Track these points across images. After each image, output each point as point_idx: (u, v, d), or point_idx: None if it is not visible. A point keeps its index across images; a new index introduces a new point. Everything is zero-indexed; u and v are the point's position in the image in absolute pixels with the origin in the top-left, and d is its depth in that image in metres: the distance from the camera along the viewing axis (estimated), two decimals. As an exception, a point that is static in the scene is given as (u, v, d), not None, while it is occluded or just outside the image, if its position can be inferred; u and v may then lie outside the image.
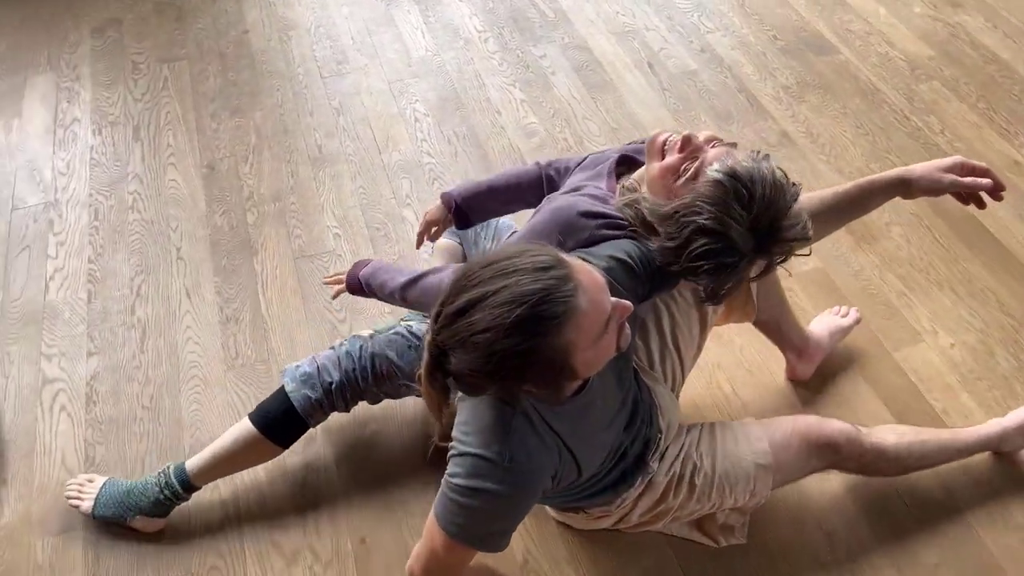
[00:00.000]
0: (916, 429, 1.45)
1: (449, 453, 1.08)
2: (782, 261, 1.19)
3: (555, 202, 1.28)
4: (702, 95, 2.38)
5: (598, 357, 1.00)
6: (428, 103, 2.33)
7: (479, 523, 1.08)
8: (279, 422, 1.38)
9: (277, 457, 1.45)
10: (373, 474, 1.52)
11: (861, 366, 1.72)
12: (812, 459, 1.34)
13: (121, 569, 1.41)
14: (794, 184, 1.15)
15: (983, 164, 1.31)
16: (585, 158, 1.43)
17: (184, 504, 1.43)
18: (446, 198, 1.51)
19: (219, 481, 1.47)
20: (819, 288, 1.87)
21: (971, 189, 1.29)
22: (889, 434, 1.41)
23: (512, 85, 2.39)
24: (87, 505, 1.41)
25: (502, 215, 1.60)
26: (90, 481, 1.44)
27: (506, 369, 0.93)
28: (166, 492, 1.38)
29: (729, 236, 1.10)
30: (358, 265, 1.39)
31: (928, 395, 1.68)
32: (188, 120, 2.25)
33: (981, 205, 1.32)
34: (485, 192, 1.51)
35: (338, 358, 1.39)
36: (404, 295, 1.29)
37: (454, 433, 1.08)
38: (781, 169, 1.15)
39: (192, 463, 1.40)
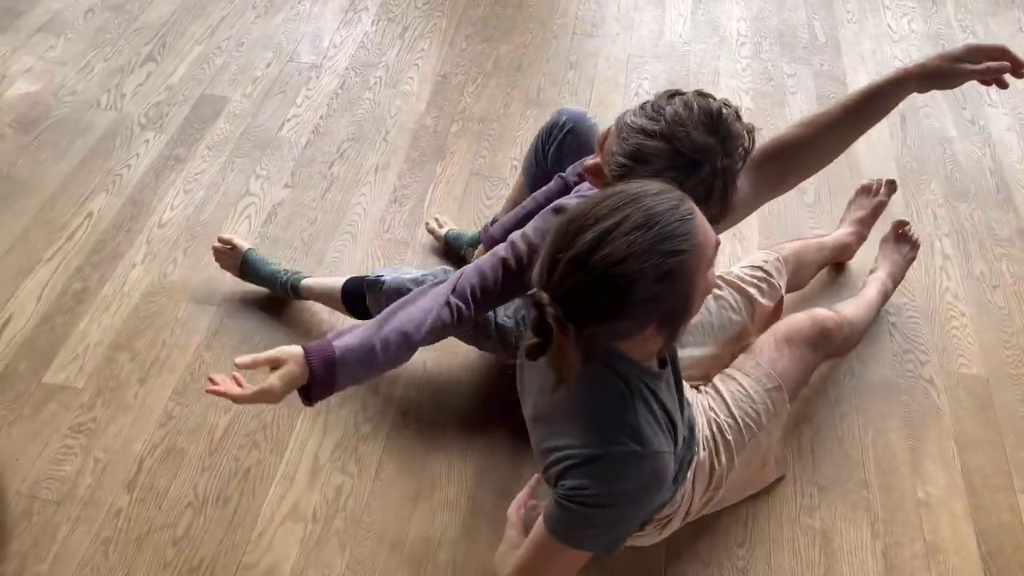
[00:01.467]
0: (848, 302, 1.64)
1: (556, 468, 1.01)
2: (745, 152, 1.13)
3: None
4: (945, 163, 2.15)
5: (703, 294, 0.96)
6: (655, 83, 2.37)
7: (617, 527, 1.01)
8: (356, 296, 1.59)
9: None
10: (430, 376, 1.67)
11: (971, 487, 1.50)
12: (809, 354, 1.43)
13: (229, 346, 1.70)
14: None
15: (997, 44, 1.21)
16: None
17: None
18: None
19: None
20: (970, 397, 1.65)
21: (989, 75, 1.21)
22: (845, 307, 1.60)
23: (745, 92, 2.35)
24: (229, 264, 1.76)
25: None
26: (231, 248, 1.75)
27: (643, 303, 0.88)
28: (282, 287, 1.72)
29: (676, 136, 1.08)
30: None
31: (1039, 554, 1.42)
32: (446, 35, 2.53)
33: (1003, 85, 1.23)
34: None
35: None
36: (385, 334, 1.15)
37: (552, 445, 1.02)
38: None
39: (306, 281, 1.71)
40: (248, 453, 1.54)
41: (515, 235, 1.30)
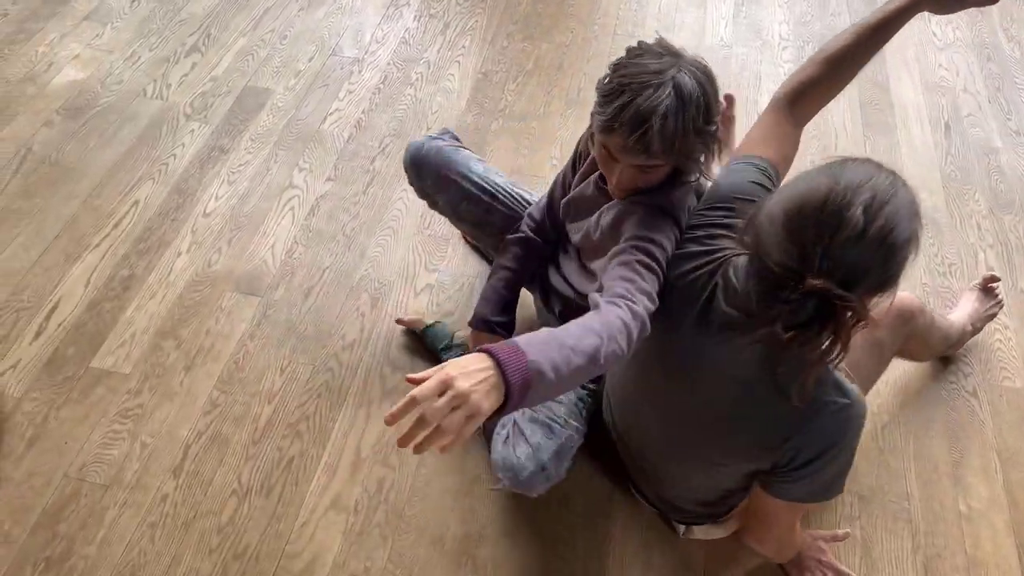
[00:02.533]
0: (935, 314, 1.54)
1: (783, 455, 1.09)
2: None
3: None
4: (990, 174, 2.13)
5: None
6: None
7: (845, 472, 1.13)
8: None
9: None
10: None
11: (1014, 500, 1.49)
12: (887, 336, 1.39)
13: (273, 337, 1.72)
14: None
15: None
16: None
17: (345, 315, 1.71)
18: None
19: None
20: (1013, 411, 1.63)
21: None
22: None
23: (786, 97, 2.34)
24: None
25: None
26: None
27: (902, 267, 0.92)
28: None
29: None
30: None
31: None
32: (487, 33, 2.53)
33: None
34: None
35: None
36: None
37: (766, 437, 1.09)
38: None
39: None
40: (291, 443, 1.55)
41: (634, 238, 1.14)
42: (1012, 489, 1.52)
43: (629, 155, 1.11)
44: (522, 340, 0.90)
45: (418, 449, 0.82)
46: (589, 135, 1.34)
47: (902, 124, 2.26)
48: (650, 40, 1.16)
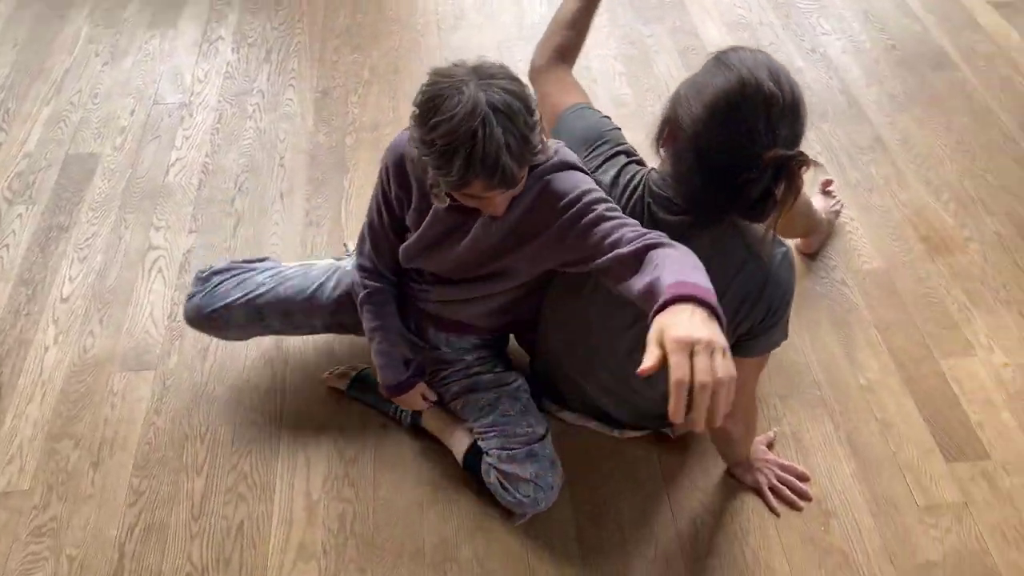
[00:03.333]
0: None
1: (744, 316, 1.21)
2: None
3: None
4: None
5: None
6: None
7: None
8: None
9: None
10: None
11: (902, 365, 1.70)
12: None
13: (180, 407, 1.61)
14: None
15: None
16: None
17: (249, 373, 1.64)
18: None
19: (276, 348, 1.66)
20: (879, 288, 1.85)
21: None
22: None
23: (614, 58, 2.48)
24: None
25: None
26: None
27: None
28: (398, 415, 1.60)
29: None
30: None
31: (967, 406, 1.64)
32: (313, 51, 2.48)
33: None
34: None
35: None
36: None
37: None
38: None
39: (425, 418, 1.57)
40: (236, 508, 1.47)
41: (576, 202, 1.16)
42: (896, 354, 1.72)
43: (496, 191, 1.08)
44: (674, 275, 0.93)
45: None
46: (417, 171, 1.23)
47: (718, 63, 2.46)
48: (443, 64, 1.09)
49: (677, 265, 0.98)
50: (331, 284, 1.51)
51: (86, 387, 1.65)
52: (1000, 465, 1.55)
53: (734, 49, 1.14)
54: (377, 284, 1.43)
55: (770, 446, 1.55)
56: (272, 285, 1.50)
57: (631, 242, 1.07)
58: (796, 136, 1.09)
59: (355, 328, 1.50)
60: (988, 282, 1.87)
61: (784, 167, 1.04)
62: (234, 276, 1.52)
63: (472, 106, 1.00)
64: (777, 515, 1.47)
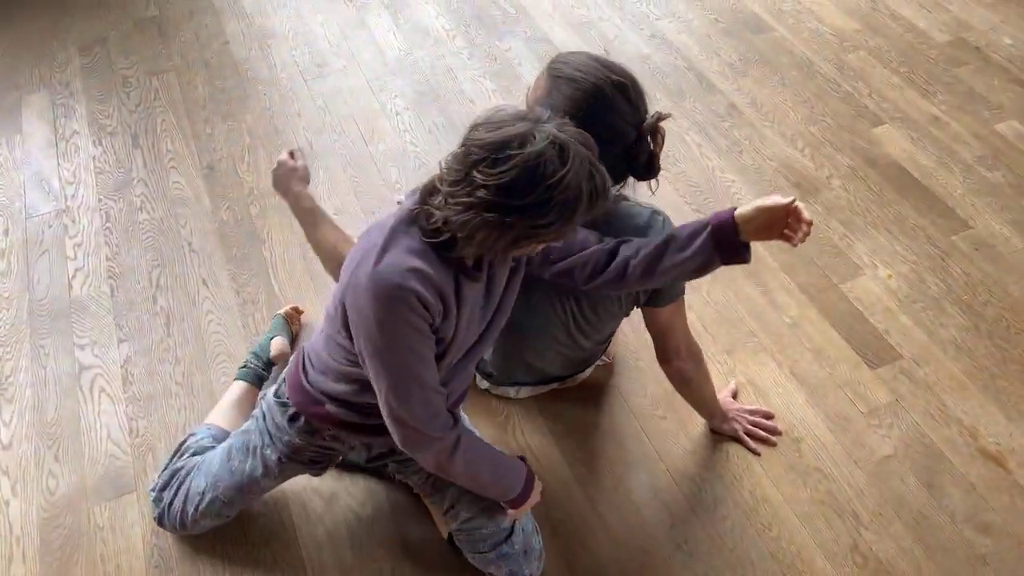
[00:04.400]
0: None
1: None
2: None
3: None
4: (656, 76, 2.61)
5: None
6: (406, 98, 2.51)
7: None
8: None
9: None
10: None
11: (812, 296, 1.96)
12: None
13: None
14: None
15: None
16: None
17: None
18: None
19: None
20: (773, 236, 2.11)
21: None
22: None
23: (483, 77, 2.59)
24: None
25: None
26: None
27: None
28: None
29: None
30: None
31: (872, 318, 1.92)
32: (183, 127, 2.40)
33: None
34: None
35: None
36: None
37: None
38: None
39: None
40: (273, 600, 1.47)
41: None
42: (805, 289, 1.98)
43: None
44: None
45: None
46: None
47: (577, 63, 2.65)
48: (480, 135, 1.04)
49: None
50: (258, 465, 1.39)
51: (67, 530, 1.56)
52: (912, 361, 1.84)
53: (563, 61, 1.30)
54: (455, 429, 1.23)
55: (735, 396, 1.76)
56: (212, 491, 1.42)
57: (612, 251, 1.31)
58: (644, 101, 1.31)
59: (312, 463, 1.42)
60: (855, 209, 2.18)
61: (653, 129, 1.30)
62: (178, 487, 1.45)
63: (562, 147, 1.00)
64: (758, 454, 1.67)
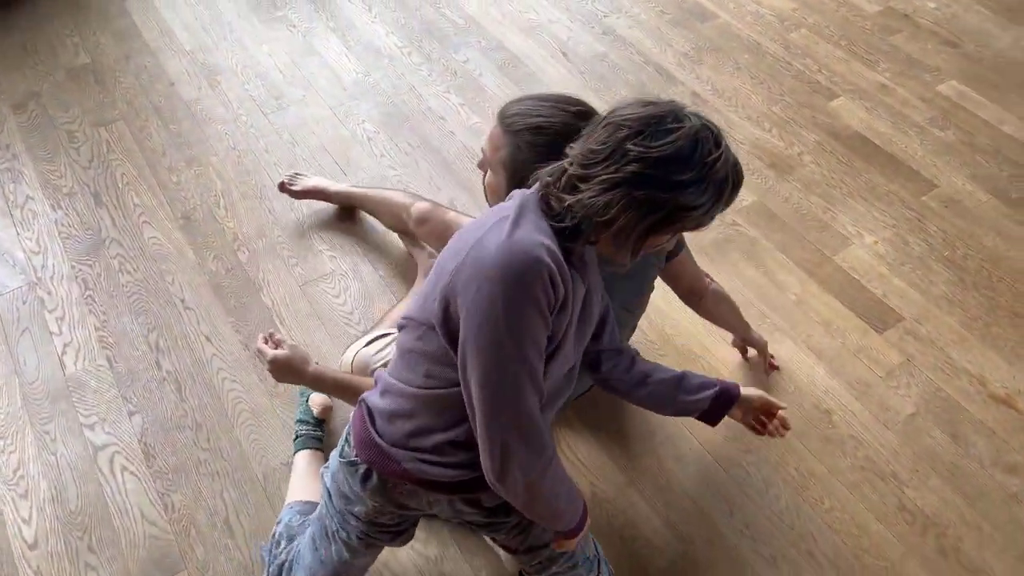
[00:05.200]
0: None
1: None
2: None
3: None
4: (616, 72, 2.65)
5: None
6: (375, 121, 2.47)
7: None
8: None
9: None
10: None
11: (810, 272, 2.05)
12: None
13: (238, 593, 1.50)
14: None
15: None
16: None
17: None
18: None
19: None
20: (762, 216, 2.19)
21: None
22: None
23: (447, 92, 2.57)
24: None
25: None
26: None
27: None
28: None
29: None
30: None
31: (868, 284, 2.02)
32: (146, 177, 2.28)
33: None
34: None
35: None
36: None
37: None
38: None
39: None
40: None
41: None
42: (802, 265, 2.06)
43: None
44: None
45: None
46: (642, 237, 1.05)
47: (538, 69, 2.66)
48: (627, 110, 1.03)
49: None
50: (341, 549, 1.31)
51: (119, 623, 1.47)
52: (913, 320, 1.95)
53: (514, 113, 1.23)
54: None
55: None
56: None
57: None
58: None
59: (395, 531, 1.34)
60: (830, 183, 2.28)
61: None
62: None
63: (712, 130, 1.01)
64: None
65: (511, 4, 2.92)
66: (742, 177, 1.05)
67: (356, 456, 1.23)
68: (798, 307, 1.98)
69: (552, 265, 1.00)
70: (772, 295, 2.00)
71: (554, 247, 1.03)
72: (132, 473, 1.68)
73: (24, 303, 1.98)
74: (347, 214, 2.19)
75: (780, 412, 1.39)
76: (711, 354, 1.87)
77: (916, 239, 2.13)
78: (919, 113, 2.49)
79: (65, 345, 1.89)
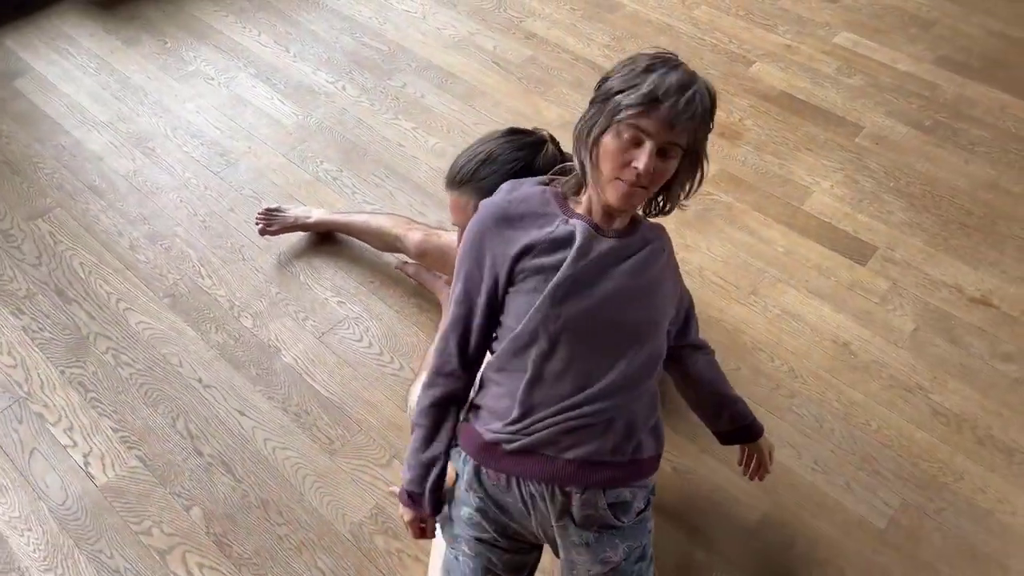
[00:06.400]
0: None
1: None
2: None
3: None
4: (552, 73, 2.73)
5: None
6: (334, 160, 2.42)
7: None
8: None
9: None
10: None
11: (789, 224, 2.23)
12: None
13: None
14: None
15: None
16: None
17: None
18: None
19: None
20: (729, 182, 2.34)
21: None
22: None
23: (395, 119, 2.56)
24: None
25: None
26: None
27: None
28: None
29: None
30: None
31: (839, 224, 2.22)
32: (108, 262, 2.13)
33: None
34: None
35: None
36: None
37: None
38: None
39: None
40: None
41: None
42: (778, 219, 2.24)
43: (669, 128, 1.12)
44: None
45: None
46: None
47: (477, 81, 2.69)
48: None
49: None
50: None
51: None
52: (886, 248, 2.16)
53: (462, 169, 1.45)
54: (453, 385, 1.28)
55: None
56: None
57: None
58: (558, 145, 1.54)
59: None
60: (776, 141, 2.48)
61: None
62: None
63: (683, 67, 1.16)
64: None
65: (427, 23, 2.94)
66: (708, 106, 1.18)
67: (468, 455, 1.27)
68: (788, 257, 2.15)
69: (483, 227, 1.25)
70: (763, 251, 2.16)
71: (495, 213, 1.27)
72: (211, 568, 1.58)
73: (20, 423, 1.80)
74: (325, 237, 2.19)
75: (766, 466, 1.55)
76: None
77: (863, 177, 2.36)
78: (826, 65, 2.74)
79: (85, 456, 1.75)
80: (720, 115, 2.55)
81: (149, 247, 2.17)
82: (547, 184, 1.31)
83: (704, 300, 2.03)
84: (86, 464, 1.73)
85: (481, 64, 2.76)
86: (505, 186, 1.31)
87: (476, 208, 1.32)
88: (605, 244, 1.22)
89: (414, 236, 1.93)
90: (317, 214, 2.14)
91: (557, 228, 1.22)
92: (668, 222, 2.10)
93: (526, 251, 1.21)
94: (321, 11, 2.99)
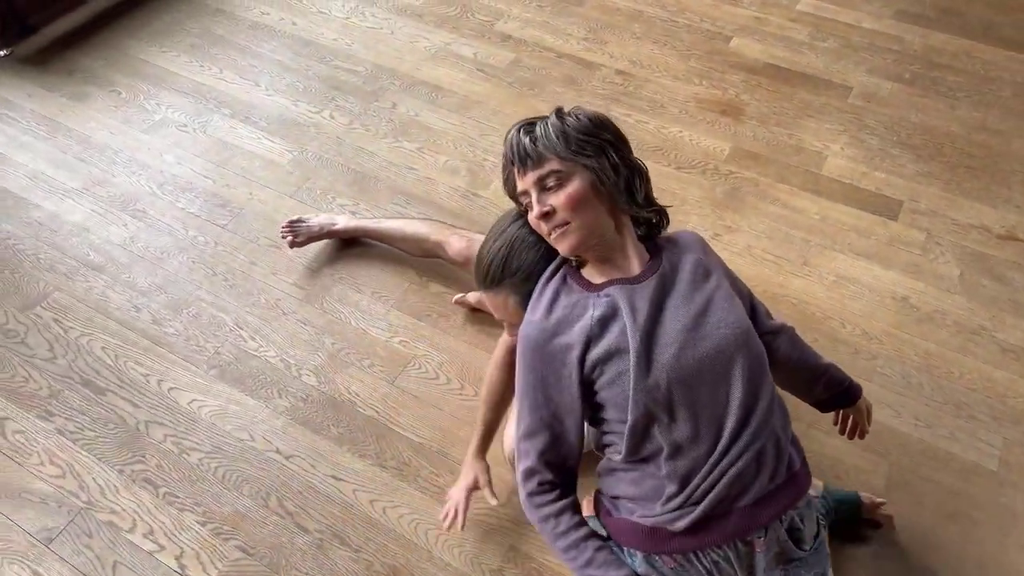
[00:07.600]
0: None
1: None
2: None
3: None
4: (539, 74, 2.69)
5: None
6: (345, 194, 2.29)
7: None
8: None
9: None
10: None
11: (815, 191, 2.28)
12: None
13: None
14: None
15: None
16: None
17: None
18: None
19: None
20: (747, 158, 2.37)
21: None
22: None
23: (396, 141, 2.45)
24: None
25: None
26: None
27: None
28: None
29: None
30: None
31: (860, 183, 2.30)
32: (132, 340, 1.93)
33: None
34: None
35: None
36: None
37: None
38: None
39: None
40: None
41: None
42: (803, 187, 2.28)
43: (535, 167, 1.20)
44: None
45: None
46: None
47: (467, 91, 2.61)
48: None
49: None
50: None
51: None
52: (910, 200, 2.25)
53: (491, 264, 1.33)
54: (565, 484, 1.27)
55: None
56: None
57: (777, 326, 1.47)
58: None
59: None
60: (776, 111, 2.53)
61: None
62: None
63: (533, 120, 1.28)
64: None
65: (396, 39, 2.83)
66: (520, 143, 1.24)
67: (620, 546, 1.24)
68: (824, 223, 2.20)
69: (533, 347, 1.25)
70: (799, 220, 2.20)
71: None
72: (358, 650, 1.47)
73: (91, 537, 1.61)
74: (349, 243, 2.14)
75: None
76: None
77: (866, 135, 2.44)
78: (798, 32, 2.82)
79: (178, 558, 1.58)
80: (716, 93, 2.58)
81: (174, 318, 1.98)
82: (560, 267, 1.29)
83: (763, 278, 2.05)
84: (182, 568, 1.57)
85: (466, 73, 2.68)
86: (530, 306, 1.27)
87: (517, 304, 1.31)
88: (645, 289, 1.19)
89: (457, 243, 1.86)
90: (342, 220, 2.07)
91: (595, 308, 1.19)
92: (703, 207, 2.11)
93: (586, 346, 1.17)
94: (281, 39, 2.82)
